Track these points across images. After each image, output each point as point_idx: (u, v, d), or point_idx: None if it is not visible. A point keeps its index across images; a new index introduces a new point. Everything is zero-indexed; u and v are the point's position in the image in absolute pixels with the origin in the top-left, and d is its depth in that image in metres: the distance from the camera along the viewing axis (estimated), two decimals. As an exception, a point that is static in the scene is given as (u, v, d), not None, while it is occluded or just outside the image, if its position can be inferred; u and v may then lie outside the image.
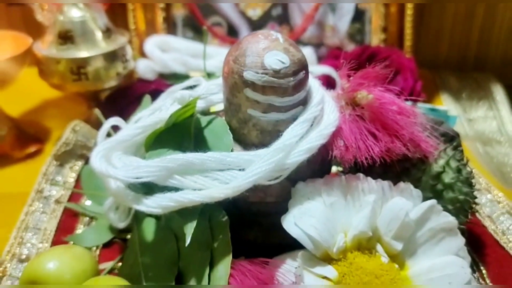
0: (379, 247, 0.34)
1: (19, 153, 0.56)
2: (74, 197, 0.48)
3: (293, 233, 0.33)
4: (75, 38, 0.52)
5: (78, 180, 0.50)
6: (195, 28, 0.66)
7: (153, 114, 0.41)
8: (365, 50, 0.61)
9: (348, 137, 0.36)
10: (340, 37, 0.66)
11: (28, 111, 0.65)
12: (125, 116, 0.47)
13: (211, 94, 0.40)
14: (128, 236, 0.43)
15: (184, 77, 0.60)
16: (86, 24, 0.53)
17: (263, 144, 0.35)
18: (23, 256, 0.40)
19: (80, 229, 0.44)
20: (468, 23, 0.76)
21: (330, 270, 0.33)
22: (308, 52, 0.62)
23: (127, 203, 0.35)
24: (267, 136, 0.36)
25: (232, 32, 0.67)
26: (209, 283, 0.33)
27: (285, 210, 0.35)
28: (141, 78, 0.59)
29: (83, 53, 0.52)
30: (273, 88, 0.34)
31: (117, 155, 0.37)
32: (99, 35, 0.53)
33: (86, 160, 0.51)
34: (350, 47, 0.66)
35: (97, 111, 0.47)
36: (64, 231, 0.44)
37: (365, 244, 0.34)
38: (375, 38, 0.66)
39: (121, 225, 0.42)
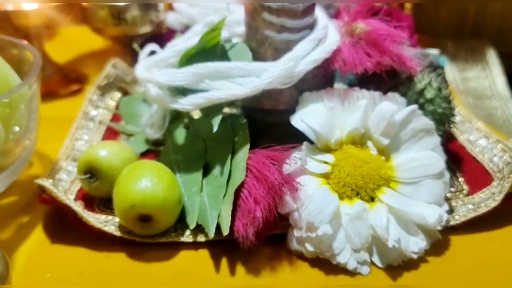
0: (369, 143, 0.42)
1: (63, 91, 0.64)
2: (114, 120, 0.56)
3: (300, 127, 0.41)
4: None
5: (116, 108, 0.58)
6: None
7: (186, 41, 0.49)
8: (368, 9, 0.69)
9: (346, 55, 0.43)
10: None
11: (70, 61, 0.74)
12: None
13: (235, 24, 0.48)
14: (161, 148, 0.51)
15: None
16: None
17: (276, 60, 0.43)
18: (77, 155, 0.48)
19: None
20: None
21: (328, 157, 0.41)
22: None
23: (165, 104, 0.44)
24: (280, 54, 0.43)
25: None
26: (230, 167, 0.41)
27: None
28: (170, 28, 0.67)
29: (123, 0, 0.61)
30: (286, 11, 0.42)
31: (156, 69, 0.46)
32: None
33: (124, 92, 0.60)
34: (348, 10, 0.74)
35: (136, 46, 0.56)
36: (107, 143, 0.52)
37: (358, 140, 0.42)
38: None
39: (156, 136, 0.50)
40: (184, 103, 0.42)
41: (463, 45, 0.84)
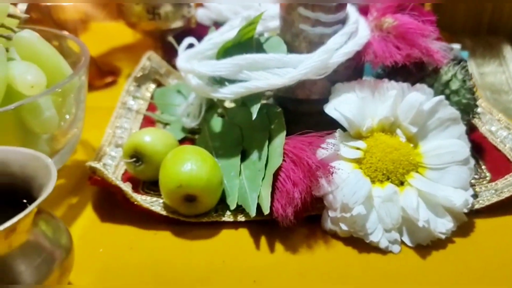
0: (398, 131, 0.44)
1: (98, 82, 0.67)
2: (149, 109, 0.59)
3: (334, 115, 0.43)
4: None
5: (151, 98, 0.61)
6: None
7: (222, 35, 0.51)
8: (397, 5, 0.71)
9: (376, 48, 0.46)
10: (369, -4, 0.76)
11: (103, 54, 0.77)
12: None
13: (269, 19, 0.51)
14: (196, 136, 0.54)
15: (235, 25, 0.71)
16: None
17: (310, 53, 0.46)
18: (120, 142, 0.51)
19: (157, 131, 0.56)
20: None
21: (360, 143, 0.43)
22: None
23: (206, 93, 0.46)
24: (314, 47, 0.46)
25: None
26: (267, 153, 0.44)
27: (324, 111, 0.45)
28: (200, 23, 0.70)
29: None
30: (321, 6, 0.45)
31: (195, 61, 0.48)
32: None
33: (158, 83, 0.63)
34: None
35: (171, 39, 0.59)
36: (145, 131, 0.55)
37: (388, 128, 0.45)
38: None
39: (193, 125, 0.53)
40: (224, 92, 0.45)
41: (481, 41, 0.86)
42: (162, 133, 0.47)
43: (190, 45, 0.53)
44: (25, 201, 0.32)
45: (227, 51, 0.48)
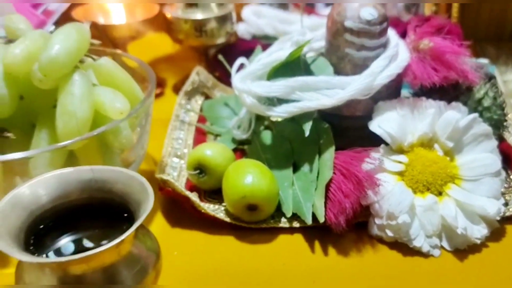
0: (436, 145, 0.49)
1: (147, 94, 0.73)
2: (200, 121, 0.64)
3: (378, 132, 0.48)
4: (198, 4, 0.68)
5: (200, 111, 0.66)
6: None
7: (270, 55, 0.56)
8: (420, 19, 0.75)
9: (415, 69, 0.51)
10: (398, 8, 0.81)
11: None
12: (231, 64, 0.64)
13: (315, 41, 0.55)
14: (245, 147, 0.59)
15: (273, 38, 0.76)
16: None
17: (354, 75, 0.51)
18: (178, 153, 0.57)
19: (209, 141, 0.61)
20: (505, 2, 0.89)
21: (402, 157, 0.48)
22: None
23: (261, 111, 0.51)
24: (357, 69, 0.51)
25: (309, 3, 0.82)
26: (318, 166, 0.49)
27: (366, 126, 0.50)
28: (240, 38, 0.75)
29: (204, 15, 0.68)
30: (365, 33, 0.49)
31: (248, 81, 0.54)
32: (215, 4, 0.70)
33: (206, 96, 0.68)
34: (406, 17, 0.80)
35: (220, 57, 0.64)
36: (198, 142, 0.60)
37: (427, 143, 0.49)
38: (427, 10, 0.80)
39: (243, 136, 0.58)
40: (278, 111, 0.50)
41: (504, 48, 0.90)
42: (221, 147, 0.52)
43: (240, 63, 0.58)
44: (126, 215, 0.38)
45: (276, 71, 0.53)
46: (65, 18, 0.71)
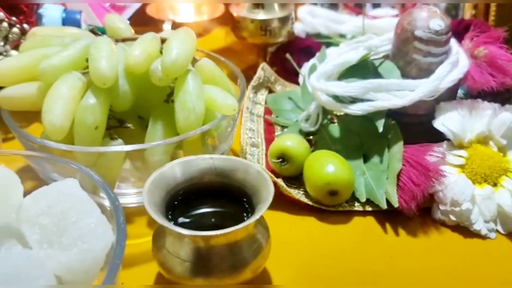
0: (491, 142, 0.56)
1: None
2: (266, 113, 0.71)
3: (442, 129, 0.55)
4: (264, 5, 0.74)
5: (264, 103, 0.73)
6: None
7: (339, 57, 0.63)
8: (461, 22, 0.82)
9: (474, 74, 0.57)
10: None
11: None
12: (288, 61, 0.71)
13: (381, 46, 0.62)
14: (311, 138, 0.65)
15: (326, 37, 0.83)
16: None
17: (419, 78, 0.57)
18: (254, 142, 0.63)
19: (277, 132, 0.68)
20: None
21: (463, 152, 0.55)
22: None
23: (336, 109, 0.58)
24: (422, 73, 0.57)
25: (358, 4, 0.88)
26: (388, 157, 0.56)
27: (426, 122, 0.57)
28: (297, 36, 0.81)
29: (268, 16, 0.75)
30: (433, 41, 0.56)
31: (322, 80, 0.60)
32: (278, 4, 0.76)
33: (269, 90, 0.74)
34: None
35: (288, 56, 0.70)
36: (268, 133, 0.67)
37: (483, 140, 0.56)
38: (467, 13, 0.87)
39: (311, 129, 0.65)
40: (354, 109, 0.57)
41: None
42: (299, 138, 0.59)
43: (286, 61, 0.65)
44: (244, 199, 0.45)
45: (346, 72, 0.60)
46: (139, 13, 0.77)
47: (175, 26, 0.75)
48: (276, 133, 0.68)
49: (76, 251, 0.35)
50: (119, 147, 0.48)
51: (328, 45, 0.81)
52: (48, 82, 0.49)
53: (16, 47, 0.66)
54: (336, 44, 0.80)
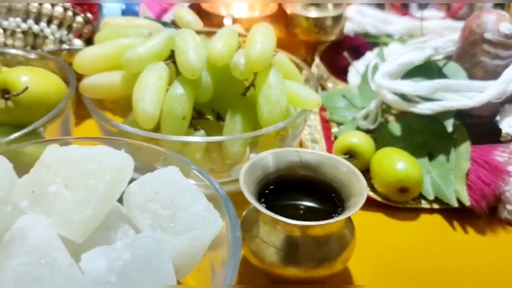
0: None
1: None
2: (320, 110, 0.72)
3: (509, 131, 0.56)
4: (320, 4, 0.75)
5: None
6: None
7: (402, 57, 0.64)
8: None
9: (539, 78, 0.59)
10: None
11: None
12: (338, 59, 0.72)
13: (445, 47, 0.63)
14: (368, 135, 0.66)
15: (373, 36, 0.84)
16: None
17: (484, 80, 0.58)
18: (314, 138, 0.64)
19: (333, 128, 0.68)
20: None
21: (529, 153, 0.56)
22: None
23: (403, 107, 0.59)
24: (488, 75, 0.58)
25: (404, 5, 0.89)
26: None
27: (487, 124, 0.58)
28: (346, 35, 0.82)
29: (321, 14, 0.76)
30: (502, 44, 0.57)
31: (387, 79, 0.61)
32: (331, 3, 0.77)
33: (322, 87, 0.75)
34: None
35: (346, 54, 0.71)
36: (325, 129, 0.68)
37: (547, 142, 0.58)
38: None
39: (370, 127, 0.66)
40: (422, 108, 0.58)
41: None
42: (364, 135, 0.60)
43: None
44: (333, 195, 0.45)
45: (410, 71, 0.61)
46: (193, 7, 0.77)
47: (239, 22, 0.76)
48: (332, 130, 0.68)
49: (188, 237, 0.36)
50: (209, 137, 0.49)
51: (376, 44, 0.82)
52: (133, 71, 0.49)
53: (79, 36, 0.67)
54: (384, 44, 0.82)
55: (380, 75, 0.61)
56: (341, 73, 0.78)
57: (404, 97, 0.60)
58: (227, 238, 0.37)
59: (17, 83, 0.47)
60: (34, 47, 0.66)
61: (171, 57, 0.51)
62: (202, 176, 0.41)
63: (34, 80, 0.48)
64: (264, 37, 0.50)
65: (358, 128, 0.67)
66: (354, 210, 0.40)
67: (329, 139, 0.66)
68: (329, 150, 0.63)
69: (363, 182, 0.43)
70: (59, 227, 0.33)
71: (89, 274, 0.30)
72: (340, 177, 0.45)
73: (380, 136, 0.64)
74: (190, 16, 0.60)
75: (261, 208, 0.40)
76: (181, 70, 0.48)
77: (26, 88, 0.47)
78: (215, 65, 0.50)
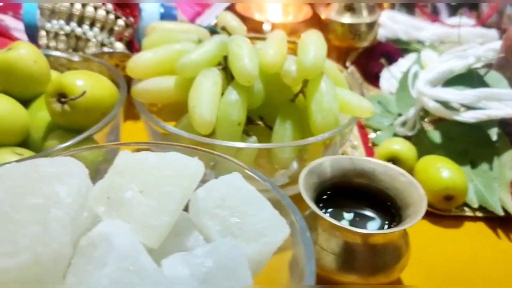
0: None
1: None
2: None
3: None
4: (356, 10, 0.76)
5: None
6: (406, 7, 0.90)
7: (442, 64, 0.64)
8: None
9: None
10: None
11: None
12: (369, 65, 0.72)
13: (486, 56, 0.63)
14: (405, 142, 0.67)
15: (404, 42, 0.84)
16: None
17: (526, 89, 0.59)
18: (353, 144, 0.65)
19: (370, 135, 0.69)
20: None
21: None
22: (493, 33, 0.85)
23: (446, 115, 0.59)
24: (530, 84, 0.59)
25: (434, 11, 0.90)
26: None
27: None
28: (378, 41, 0.83)
29: (357, 20, 0.76)
30: (546, 54, 0.58)
31: (428, 86, 0.62)
32: (366, 10, 0.77)
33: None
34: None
35: (383, 61, 0.71)
36: (363, 135, 0.68)
37: None
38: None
39: (408, 133, 0.66)
40: (465, 116, 0.58)
41: None
42: (406, 143, 0.60)
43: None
44: (389, 203, 0.46)
45: (452, 80, 0.61)
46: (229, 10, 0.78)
47: (257, 25, 0.76)
48: (369, 136, 0.69)
49: (258, 244, 0.36)
50: (263, 144, 0.49)
51: (407, 51, 0.82)
52: (186, 77, 0.50)
53: (120, 39, 0.67)
54: (415, 50, 0.82)
55: (422, 82, 0.62)
56: (372, 79, 0.79)
57: (446, 105, 0.60)
58: (290, 242, 0.37)
59: (74, 87, 0.48)
60: (75, 50, 0.66)
61: (222, 63, 0.51)
62: (268, 184, 0.41)
63: (89, 84, 0.48)
64: (317, 44, 0.51)
65: (395, 135, 0.68)
66: (416, 219, 0.41)
67: (367, 145, 0.67)
68: (369, 156, 0.64)
69: (421, 191, 0.44)
70: (137, 233, 0.33)
71: (172, 280, 0.31)
72: (396, 185, 0.46)
73: (419, 143, 0.64)
74: (235, 22, 0.60)
75: (324, 215, 0.41)
76: (237, 76, 0.48)
77: (84, 93, 0.47)
78: (267, 72, 0.51)
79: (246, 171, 0.42)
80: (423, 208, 0.42)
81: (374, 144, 0.67)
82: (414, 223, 0.41)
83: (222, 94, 0.49)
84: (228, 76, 0.51)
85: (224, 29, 0.56)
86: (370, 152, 0.65)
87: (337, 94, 0.51)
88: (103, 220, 0.34)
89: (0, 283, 0.29)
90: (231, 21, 0.60)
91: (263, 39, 0.56)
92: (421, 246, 0.52)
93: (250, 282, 0.33)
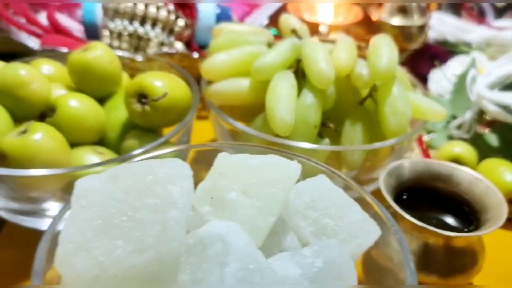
0: None
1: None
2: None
3: None
4: (407, 12, 0.76)
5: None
6: (453, 8, 0.91)
7: (500, 68, 0.65)
8: None
9: None
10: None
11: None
12: (417, 66, 0.73)
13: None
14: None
15: (451, 45, 0.85)
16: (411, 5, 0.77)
17: None
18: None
19: (424, 137, 0.70)
20: None
21: None
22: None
23: (508, 120, 0.60)
24: None
25: (480, 13, 0.90)
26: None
27: None
28: (426, 43, 0.84)
29: (408, 22, 0.77)
30: None
31: (486, 90, 0.62)
32: (417, 12, 0.78)
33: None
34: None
35: (437, 63, 0.72)
36: (417, 138, 0.69)
37: None
38: None
39: (464, 136, 0.67)
40: (527, 120, 0.59)
41: None
42: (467, 146, 0.61)
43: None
44: (466, 209, 0.47)
45: (509, 84, 0.62)
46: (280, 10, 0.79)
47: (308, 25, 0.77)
48: (423, 138, 0.70)
49: (351, 245, 0.37)
50: (337, 146, 0.50)
51: (454, 53, 0.83)
52: (261, 79, 0.51)
53: (179, 39, 0.68)
54: (462, 53, 0.83)
55: (481, 86, 0.63)
56: (420, 80, 0.79)
57: (507, 108, 0.61)
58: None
59: (155, 88, 0.49)
60: (137, 49, 0.67)
61: (294, 66, 0.52)
62: (359, 187, 0.42)
63: (168, 85, 0.50)
64: (389, 49, 0.52)
65: (450, 137, 0.68)
66: (498, 224, 0.42)
67: (422, 147, 0.68)
68: (425, 157, 0.64)
69: (499, 195, 0.44)
70: (246, 233, 0.34)
71: (285, 280, 0.32)
72: (473, 189, 0.47)
73: (476, 146, 0.65)
74: (297, 24, 0.61)
75: (409, 217, 0.42)
76: (313, 80, 0.49)
77: (166, 94, 0.48)
78: (339, 75, 0.51)
79: (331, 173, 0.43)
80: (504, 212, 0.43)
81: (428, 146, 0.68)
82: (497, 227, 0.42)
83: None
84: (300, 79, 0.52)
85: (294, 32, 0.57)
86: (426, 154, 0.66)
87: (409, 98, 0.52)
88: (209, 220, 0.35)
89: (124, 279, 0.31)
90: (294, 23, 0.61)
91: (331, 42, 0.57)
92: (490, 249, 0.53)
93: (355, 282, 0.34)
